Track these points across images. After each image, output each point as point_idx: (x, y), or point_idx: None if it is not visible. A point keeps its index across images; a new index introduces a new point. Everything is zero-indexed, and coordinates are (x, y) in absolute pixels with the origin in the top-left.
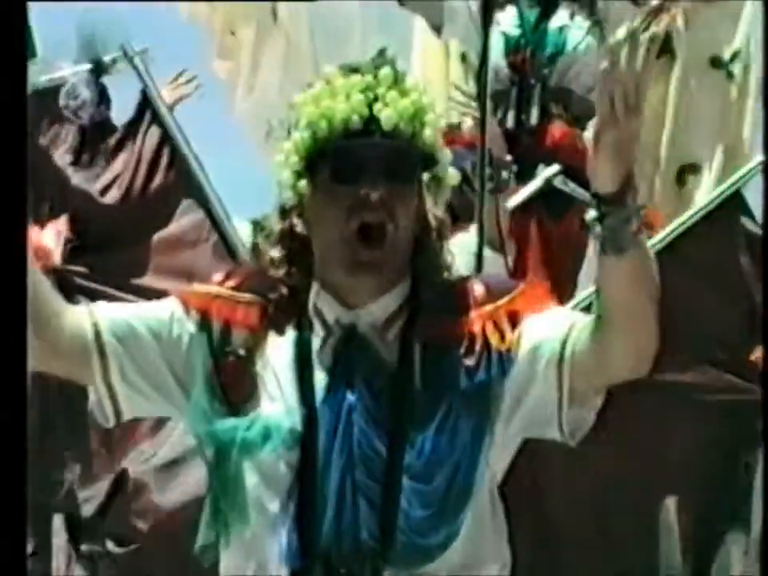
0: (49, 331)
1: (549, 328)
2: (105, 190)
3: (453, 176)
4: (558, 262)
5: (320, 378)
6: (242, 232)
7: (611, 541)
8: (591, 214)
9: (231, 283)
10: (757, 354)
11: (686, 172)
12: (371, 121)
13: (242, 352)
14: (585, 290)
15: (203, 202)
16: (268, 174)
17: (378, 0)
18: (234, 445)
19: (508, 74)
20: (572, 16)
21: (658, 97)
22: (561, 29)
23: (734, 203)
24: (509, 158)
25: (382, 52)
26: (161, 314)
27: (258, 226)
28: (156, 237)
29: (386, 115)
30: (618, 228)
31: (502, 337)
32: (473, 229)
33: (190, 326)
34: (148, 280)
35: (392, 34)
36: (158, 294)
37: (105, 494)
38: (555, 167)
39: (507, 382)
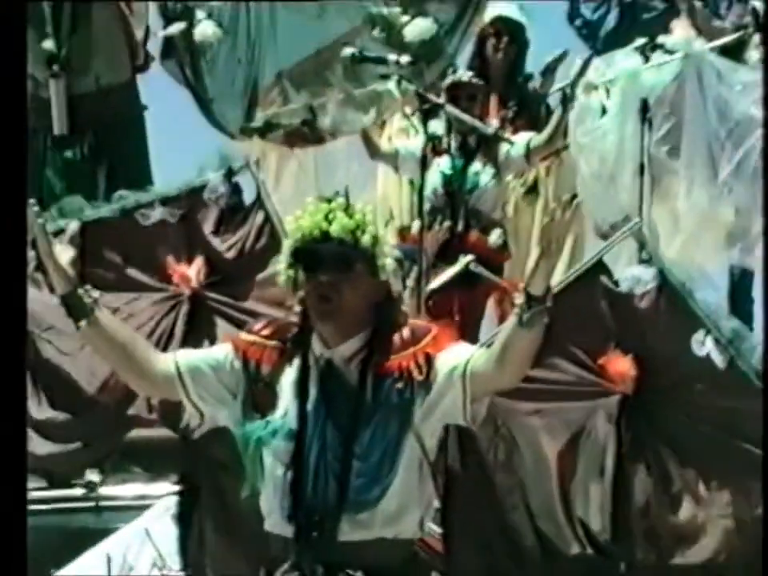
0: (149, 376)
1: (456, 357)
2: (228, 249)
3: (389, 265)
4: (470, 317)
5: (311, 394)
6: None
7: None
8: (520, 303)
9: (265, 332)
10: (604, 359)
11: None
12: (328, 232)
13: (267, 380)
14: (487, 335)
15: None
16: None
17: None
18: (255, 440)
19: (444, 197)
20: (484, 165)
21: (529, 222)
22: (477, 173)
23: (596, 267)
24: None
25: (346, 190)
26: (219, 356)
27: None
28: (257, 278)
29: (333, 229)
30: (536, 315)
31: (420, 371)
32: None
33: (237, 364)
34: (251, 305)
35: (365, 163)
36: (255, 315)
37: None
38: (470, 256)
39: (428, 398)
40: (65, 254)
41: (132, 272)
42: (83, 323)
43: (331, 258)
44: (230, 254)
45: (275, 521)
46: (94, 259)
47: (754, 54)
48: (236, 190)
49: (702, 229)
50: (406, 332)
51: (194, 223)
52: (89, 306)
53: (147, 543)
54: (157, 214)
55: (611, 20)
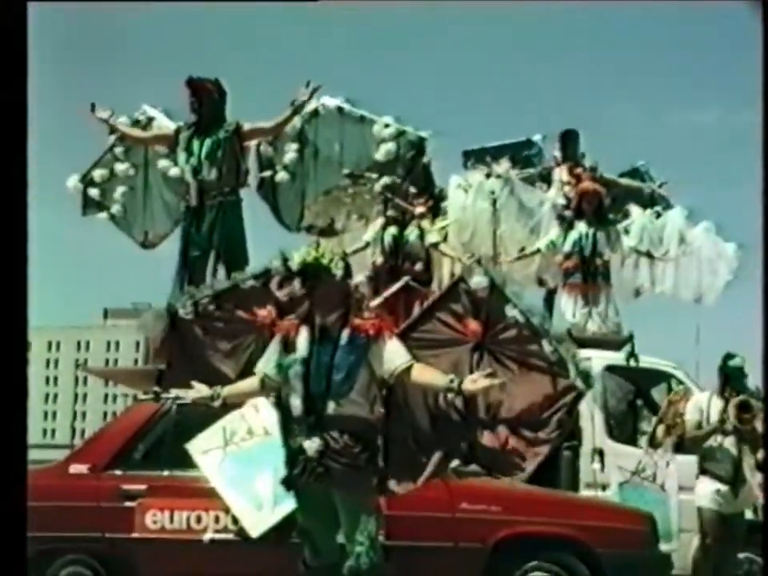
0: (258, 393)
1: (403, 353)
2: (284, 296)
3: (339, 273)
4: (408, 310)
5: (315, 340)
6: None
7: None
8: (454, 386)
9: (293, 317)
10: (464, 323)
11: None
12: (305, 261)
13: (293, 339)
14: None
15: None
16: None
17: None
18: (286, 366)
19: (392, 246)
20: (413, 230)
21: (439, 257)
22: (408, 233)
23: (460, 279)
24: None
25: (317, 241)
26: (274, 343)
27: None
28: (298, 312)
29: (308, 259)
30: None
31: (374, 333)
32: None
33: (278, 337)
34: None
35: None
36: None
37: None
38: (408, 277)
39: (378, 353)
40: (197, 391)
41: (239, 312)
42: (217, 402)
43: (308, 273)
44: (285, 299)
45: (296, 410)
46: (224, 309)
47: (543, 186)
48: (288, 268)
49: (517, 263)
50: (373, 314)
51: (268, 285)
52: (215, 396)
53: (243, 421)
54: (250, 282)
55: None
